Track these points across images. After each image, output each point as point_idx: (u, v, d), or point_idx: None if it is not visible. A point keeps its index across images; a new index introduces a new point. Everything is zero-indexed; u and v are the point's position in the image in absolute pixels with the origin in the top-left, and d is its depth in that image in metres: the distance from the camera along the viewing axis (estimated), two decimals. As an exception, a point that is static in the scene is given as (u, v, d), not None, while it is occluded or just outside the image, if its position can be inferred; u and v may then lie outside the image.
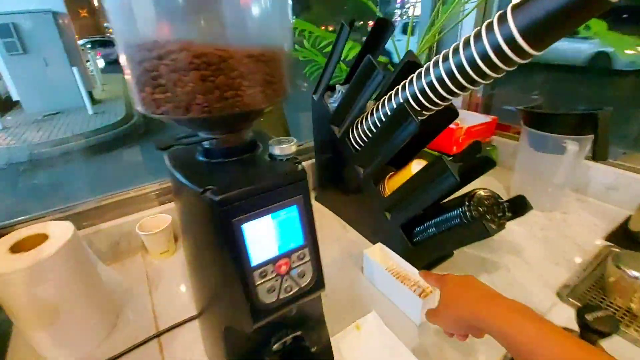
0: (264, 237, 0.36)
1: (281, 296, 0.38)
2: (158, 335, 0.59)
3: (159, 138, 0.40)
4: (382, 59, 0.92)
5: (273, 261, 0.37)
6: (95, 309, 0.57)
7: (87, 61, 6.77)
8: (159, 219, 0.78)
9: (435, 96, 0.57)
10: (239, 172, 0.38)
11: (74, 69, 5.11)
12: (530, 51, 0.45)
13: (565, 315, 0.60)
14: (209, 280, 0.44)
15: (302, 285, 0.39)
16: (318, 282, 0.41)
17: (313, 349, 0.45)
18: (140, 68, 0.32)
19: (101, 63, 8.43)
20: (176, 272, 0.74)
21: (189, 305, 0.65)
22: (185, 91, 0.32)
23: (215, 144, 0.39)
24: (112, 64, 9.70)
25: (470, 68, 0.50)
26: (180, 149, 0.44)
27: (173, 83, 0.32)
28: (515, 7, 0.44)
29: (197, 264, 0.47)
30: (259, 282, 0.36)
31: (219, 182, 0.34)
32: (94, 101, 5.53)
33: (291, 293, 0.38)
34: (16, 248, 0.51)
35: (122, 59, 0.34)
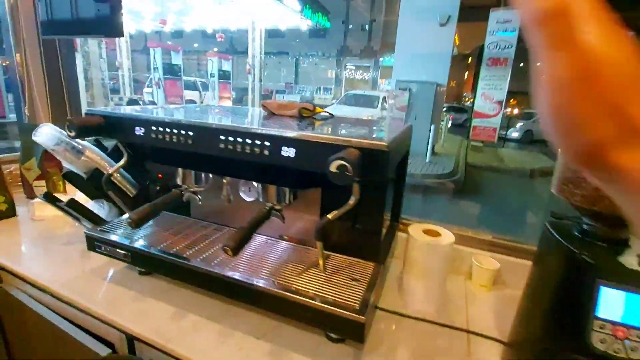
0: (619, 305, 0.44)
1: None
2: (467, 331, 0.70)
3: (554, 210, 0.57)
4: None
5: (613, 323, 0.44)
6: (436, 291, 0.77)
7: (442, 121, 7.69)
8: (488, 261, 0.87)
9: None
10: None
11: (432, 127, 6.24)
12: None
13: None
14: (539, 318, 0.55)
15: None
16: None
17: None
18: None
19: (449, 125, 9.56)
20: (489, 302, 0.82)
21: (496, 329, 0.72)
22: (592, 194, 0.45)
23: (594, 229, 0.50)
24: (457, 127, 11.05)
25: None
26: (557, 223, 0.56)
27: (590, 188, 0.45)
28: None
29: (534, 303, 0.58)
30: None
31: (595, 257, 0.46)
32: (433, 153, 6.44)
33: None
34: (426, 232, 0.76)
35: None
